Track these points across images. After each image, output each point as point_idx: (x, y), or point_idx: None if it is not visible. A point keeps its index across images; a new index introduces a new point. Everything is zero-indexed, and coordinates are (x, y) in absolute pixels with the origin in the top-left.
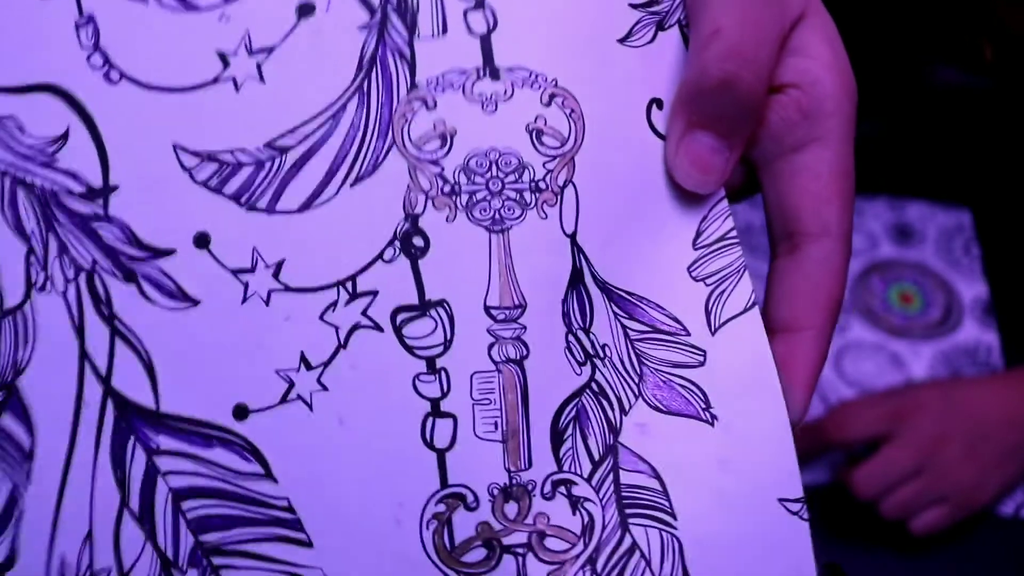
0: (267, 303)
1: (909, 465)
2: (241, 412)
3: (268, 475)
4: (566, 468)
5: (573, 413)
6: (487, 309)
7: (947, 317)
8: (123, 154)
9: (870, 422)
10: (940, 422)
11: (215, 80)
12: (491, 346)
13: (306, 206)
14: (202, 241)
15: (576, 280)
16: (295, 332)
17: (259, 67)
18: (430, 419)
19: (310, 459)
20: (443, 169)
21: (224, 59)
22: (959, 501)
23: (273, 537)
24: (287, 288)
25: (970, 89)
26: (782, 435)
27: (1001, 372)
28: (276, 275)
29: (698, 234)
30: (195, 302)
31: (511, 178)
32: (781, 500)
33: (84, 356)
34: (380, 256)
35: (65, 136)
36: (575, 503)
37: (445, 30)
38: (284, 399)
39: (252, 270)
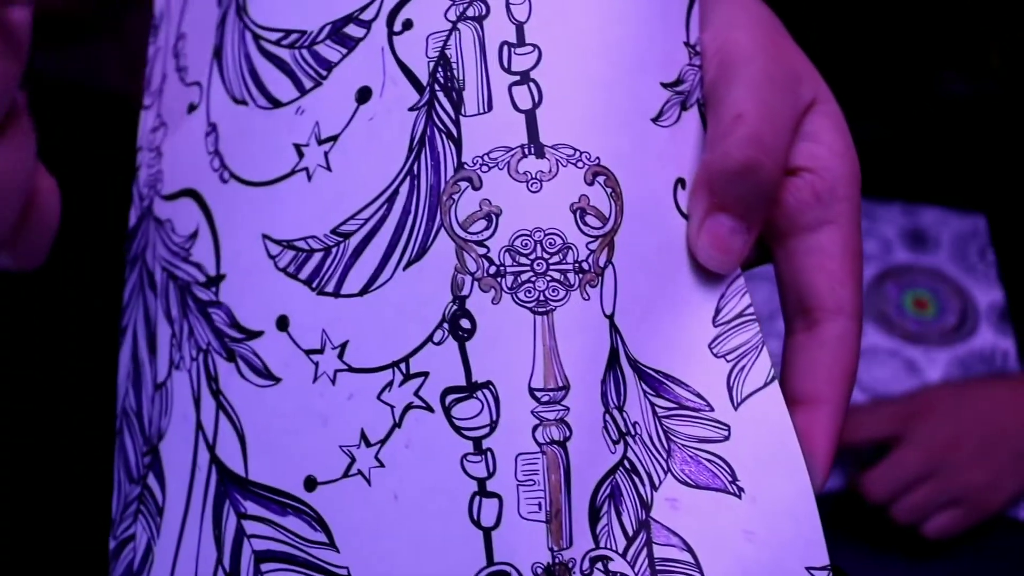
0: (333, 382)
1: (920, 467)
2: (311, 483)
3: (331, 544)
4: (603, 544)
5: (608, 491)
6: (531, 391)
7: (962, 323)
8: (229, 245)
9: (880, 424)
10: (952, 424)
11: (292, 171)
12: (535, 428)
13: (365, 289)
14: (283, 323)
15: (613, 360)
16: (357, 410)
17: (326, 155)
18: (477, 498)
19: (368, 532)
20: (489, 250)
21: (299, 150)
22: (972, 504)
23: None
24: (350, 368)
25: (979, 96)
26: (807, 505)
27: (1014, 373)
28: (341, 356)
29: (717, 311)
30: (277, 380)
31: (555, 259)
32: (808, 568)
33: (199, 426)
34: (430, 338)
35: (196, 233)
36: None
37: (491, 106)
38: (346, 473)
39: (321, 351)
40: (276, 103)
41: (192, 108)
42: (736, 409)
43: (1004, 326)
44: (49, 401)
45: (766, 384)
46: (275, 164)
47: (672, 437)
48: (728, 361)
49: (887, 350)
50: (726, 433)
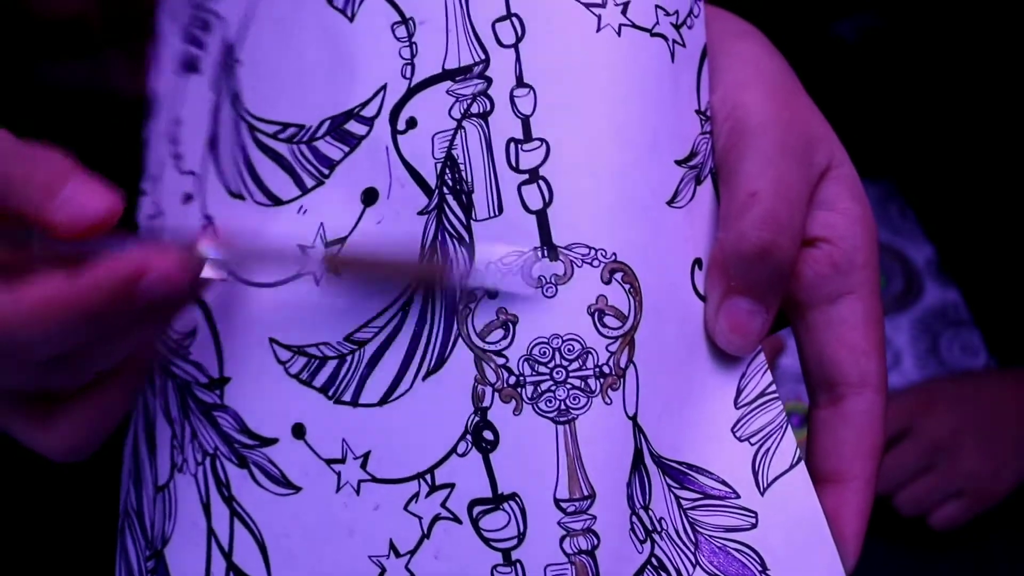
0: (358, 492)
1: (920, 459)
2: None
3: None
4: None
5: None
6: (557, 502)
7: (910, 286)
8: (233, 347)
9: (888, 422)
10: (952, 415)
11: (298, 274)
12: (563, 539)
13: (385, 399)
14: (299, 431)
15: (638, 461)
16: (384, 521)
17: None
18: None
19: None
20: (508, 360)
21: (304, 252)
22: (976, 493)
23: None
24: (374, 479)
25: (865, 37)
26: None
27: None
28: (364, 466)
29: (739, 392)
30: (297, 488)
31: (575, 365)
32: None
33: (211, 533)
34: (454, 450)
35: (194, 332)
36: None
37: (501, 209)
38: None
39: (343, 461)
40: (276, 200)
41: (188, 198)
42: (763, 494)
43: (944, 278)
44: (48, 492)
45: (792, 466)
46: (279, 265)
47: (699, 529)
48: (752, 444)
49: None
50: (753, 520)
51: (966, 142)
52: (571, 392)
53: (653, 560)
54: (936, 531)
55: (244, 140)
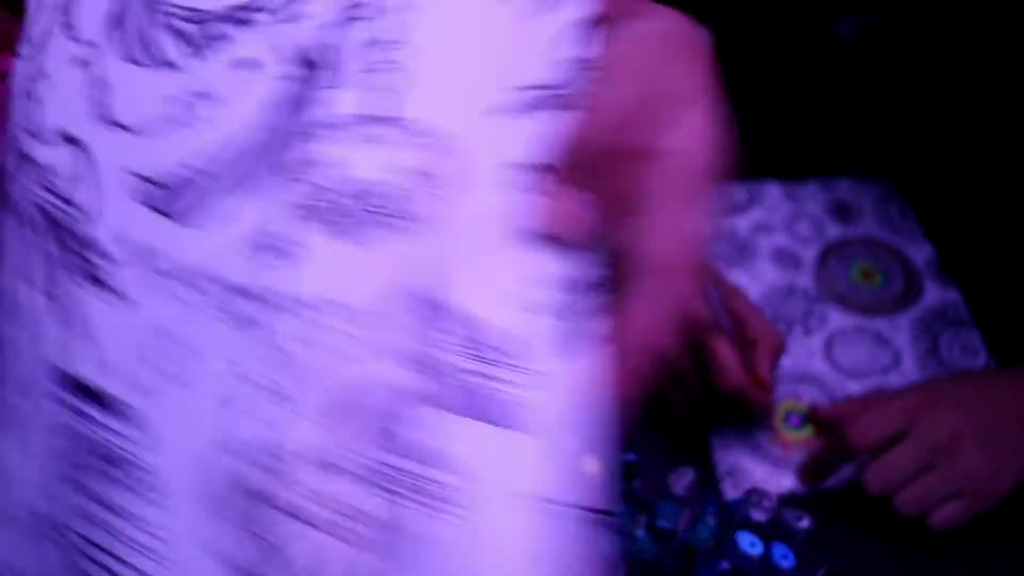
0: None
1: (920, 459)
2: None
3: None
4: None
5: None
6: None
7: (910, 285)
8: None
9: (888, 422)
10: (953, 415)
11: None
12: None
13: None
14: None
15: None
16: None
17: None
18: None
19: None
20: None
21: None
22: (976, 493)
23: None
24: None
25: (867, 37)
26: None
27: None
28: None
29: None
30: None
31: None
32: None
33: None
34: None
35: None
36: None
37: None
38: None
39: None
40: (172, 67)
41: (82, 64)
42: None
43: (944, 278)
44: None
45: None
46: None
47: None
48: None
49: (853, 327)
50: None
51: (966, 142)
52: None
53: None
54: (936, 531)
55: (154, 16)
